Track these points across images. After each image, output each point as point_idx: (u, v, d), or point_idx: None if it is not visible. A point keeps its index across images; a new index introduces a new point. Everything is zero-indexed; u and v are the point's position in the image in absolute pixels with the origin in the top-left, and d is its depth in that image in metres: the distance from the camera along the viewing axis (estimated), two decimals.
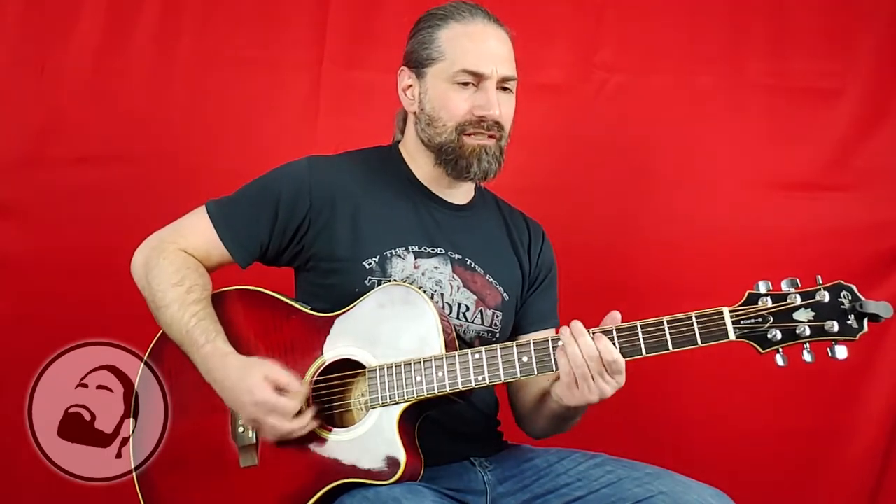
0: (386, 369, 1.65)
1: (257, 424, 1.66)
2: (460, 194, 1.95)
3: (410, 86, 1.90)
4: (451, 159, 1.84)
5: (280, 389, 1.64)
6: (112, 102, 2.62)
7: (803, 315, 1.50)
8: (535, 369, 1.60)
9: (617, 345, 1.57)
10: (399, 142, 1.98)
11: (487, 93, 1.81)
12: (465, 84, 1.82)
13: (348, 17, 2.69)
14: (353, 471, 1.62)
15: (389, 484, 1.59)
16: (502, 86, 1.84)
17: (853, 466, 2.62)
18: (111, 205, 2.59)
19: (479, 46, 1.83)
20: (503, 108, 1.83)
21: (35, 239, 2.57)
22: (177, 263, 1.79)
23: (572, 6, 2.74)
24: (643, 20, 2.74)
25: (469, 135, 1.82)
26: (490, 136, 1.84)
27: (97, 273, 2.50)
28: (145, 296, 1.81)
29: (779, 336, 1.51)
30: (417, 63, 1.87)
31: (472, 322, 1.85)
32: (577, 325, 1.60)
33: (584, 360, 1.56)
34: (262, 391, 1.63)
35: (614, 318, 1.60)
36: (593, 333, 1.58)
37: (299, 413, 1.65)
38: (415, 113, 1.89)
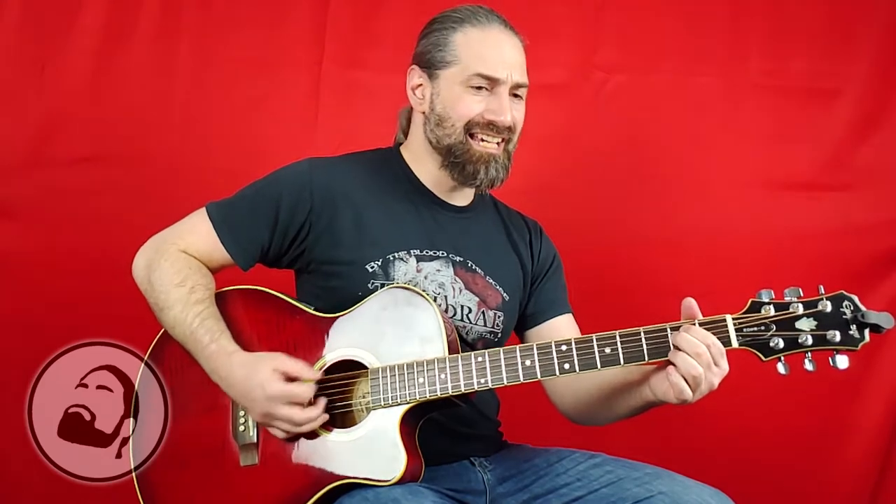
0: (388, 371, 1.65)
1: (269, 419, 1.66)
2: (461, 196, 1.95)
3: (420, 85, 1.89)
4: (459, 163, 1.84)
5: (291, 379, 1.64)
6: (112, 102, 2.62)
7: (805, 324, 1.51)
8: (539, 372, 1.60)
9: (621, 352, 1.57)
10: (400, 144, 1.98)
11: (500, 98, 1.82)
12: (479, 88, 1.82)
13: (348, 17, 2.69)
14: (354, 472, 1.62)
15: (389, 485, 1.59)
16: (514, 92, 1.85)
17: (853, 467, 2.63)
18: (111, 205, 2.59)
19: (494, 52, 1.83)
20: (515, 113, 1.84)
21: (35, 239, 2.57)
22: (178, 264, 1.78)
23: (572, 6, 2.74)
24: (643, 20, 2.74)
25: (475, 138, 1.83)
26: (499, 143, 1.84)
27: (97, 273, 2.51)
28: (148, 298, 1.80)
29: (781, 344, 1.51)
30: (430, 64, 1.87)
31: (476, 323, 1.85)
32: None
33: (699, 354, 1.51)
34: (273, 384, 1.63)
35: (690, 306, 1.56)
36: (671, 329, 1.55)
37: (312, 404, 1.65)
38: (424, 113, 1.89)
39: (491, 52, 1.83)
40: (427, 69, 1.88)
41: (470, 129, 1.83)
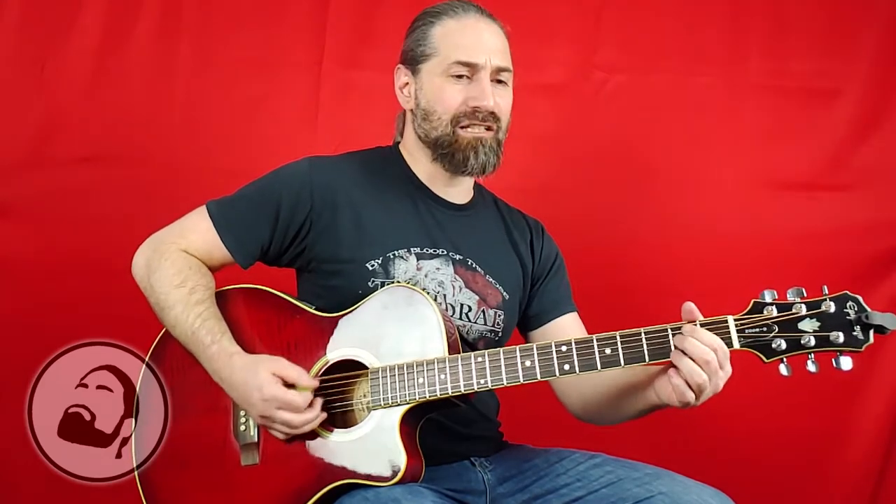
0: (388, 370, 1.65)
1: (267, 422, 1.66)
2: (460, 193, 1.95)
3: (407, 83, 1.91)
4: (448, 153, 1.84)
5: (288, 385, 1.64)
6: (112, 102, 2.62)
7: (808, 325, 1.50)
8: (538, 373, 1.60)
9: (621, 352, 1.56)
10: (399, 142, 1.99)
11: (481, 83, 1.82)
12: (460, 77, 1.83)
13: (348, 17, 2.69)
14: (354, 472, 1.62)
15: (389, 485, 1.59)
16: (497, 78, 1.85)
17: (853, 467, 2.62)
18: (111, 205, 2.59)
19: (471, 38, 1.84)
20: (498, 99, 1.84)
21: (35, 239, 2.57)
22: (178, 264, 1.78)
23: (572, 6, 2.74)
24: (643, 20, 2.74)
25: (464, 127, 1.83)
26: (487, 129, 1.84)
27: (97, 273, 2.50)
28: (148, 297, 1.81)
29: (783, 346, 1.50)
30: (412, 60, 1.89)
31: (475, 322, 1.85)
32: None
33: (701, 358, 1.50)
34: (271, 387, 1.63)
35: (690, 310, 1.55)
36: (672, 330, 1.55)
37: (310, 406, 1.65)
38: (412, 110, 1.90)
39: (468, 39, 1.84)
40: (410, 66, 1.89)
41: (457, 121, 1.83)
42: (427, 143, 1.88)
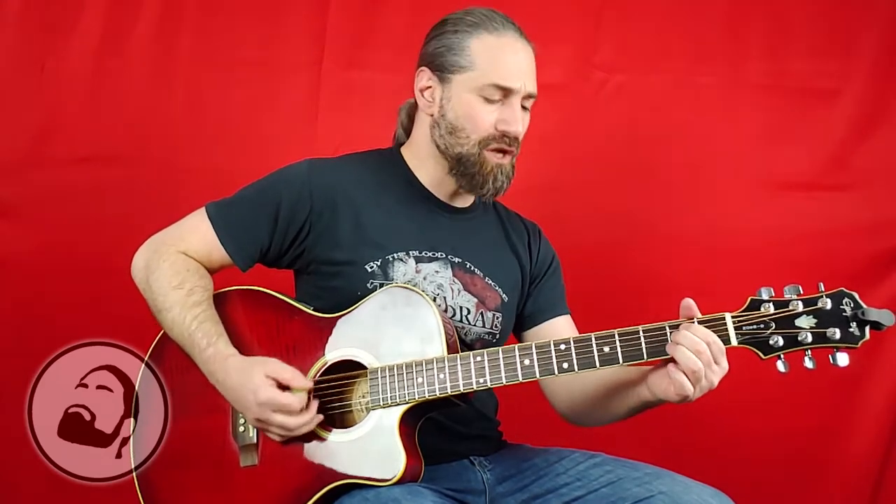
0: (387, 370, 1.65)
1: (263, 424, 1.66)
2: (461, 199, 1.94)
3: (430, 87, 1.87)
4: (469, 173, 1.83)
5: (283, 387, 1.64)
6: (112, 102, 2.62)
7: (805, 322, 1.50)
8: (537, 372, 1.60)
9: (620, 351, 1.57)
10: (401, 143, 1.98)
11: (513, 108, 1.80)
12: (492, 98, 1.81)
13: (348, 18, 2.69)
14: (353, 472, 1.62)
15: (389, 485, 1.59)
16: (523, 104, 1.84)
17: (853, 467, 2.62)
18: (111, 205, 2.59)
19: (510, 61, 1.81)
20: (522, 124, 1.84)
21: (35, 239, 2.57)
22: (177, 266, 1.78)
23: (572, 6, 2.74)
24: (643, 20, 2.74)
25: (490, 150, 1.82)
26: (506, 153, 1.83)
27: (97, 273, 2.51)
28: (146, 298, 1.81)
29: (780, 342, 1.51)
30: (442, 67, 1.84)
31: (474, 325, 1.85)
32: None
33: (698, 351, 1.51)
34: (265, 391, 1.63)
35: (689, 306, 1.56)
36: (670, 328, 1.55)
37: (305, 408, 1.65)
38: (432, 116, 1.87)
39: (507, 60, 1.81)
40: (439, 72, 1.85)
41: (486, 144, 1.81)
42: (446, 156, 1.85)
